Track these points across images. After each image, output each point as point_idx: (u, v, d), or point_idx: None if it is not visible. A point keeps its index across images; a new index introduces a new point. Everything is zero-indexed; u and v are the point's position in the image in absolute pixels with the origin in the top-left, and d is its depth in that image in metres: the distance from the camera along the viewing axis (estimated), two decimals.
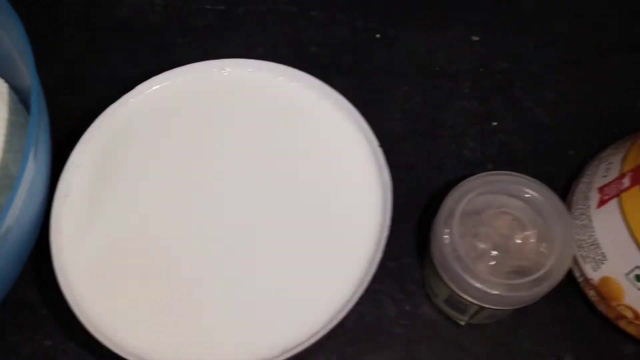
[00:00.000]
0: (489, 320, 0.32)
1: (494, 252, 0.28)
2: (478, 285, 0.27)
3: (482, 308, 0.29)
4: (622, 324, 0.30)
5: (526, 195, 0.29)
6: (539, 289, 0.27)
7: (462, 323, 0.32)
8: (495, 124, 0.38)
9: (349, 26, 0.42)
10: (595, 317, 0.32)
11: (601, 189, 0.29)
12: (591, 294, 0.30)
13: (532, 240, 0.28)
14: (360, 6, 0.42)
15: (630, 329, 0.30)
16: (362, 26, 0.42)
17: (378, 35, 0.41)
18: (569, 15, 0.42)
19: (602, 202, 0.29)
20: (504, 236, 0.28)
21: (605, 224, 0.28)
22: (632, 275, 0.27)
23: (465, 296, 0.28)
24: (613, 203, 0.28)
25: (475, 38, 0.41)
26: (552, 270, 0.27)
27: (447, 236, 0.27)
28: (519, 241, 0.28)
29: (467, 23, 0.41)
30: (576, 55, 0.40)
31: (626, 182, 0.28)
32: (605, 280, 0.29)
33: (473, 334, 0.33)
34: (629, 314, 0.29)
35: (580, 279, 0.31)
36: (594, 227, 0.29)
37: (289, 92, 0.31)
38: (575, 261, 0.30)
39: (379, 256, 0.26)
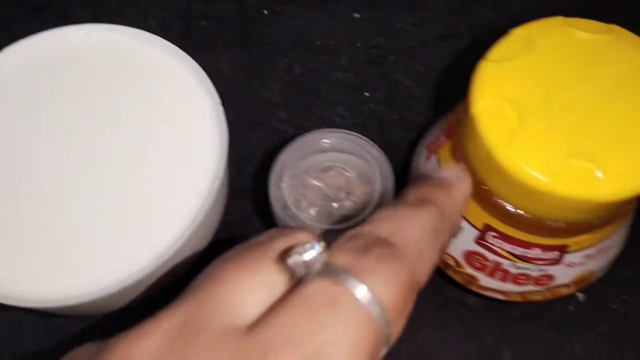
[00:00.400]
0: None
1: (323, 203, 0.30)
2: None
3: None
4: (450, 272, 0.32)
5: (358, 154, 0.31)
6: None
7: None
8: (367, 94, 0.41)
9: (238, 2, 0.44)
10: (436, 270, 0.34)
11: (428, 147, 0.32)
12: None
13: (357, 192, 0.30)
14: None
15: (457, 278, 0.32)
16: (251, 2, 0.44)
17: (265, 11, 0.44)
18: None
19: (427, 158, 0.31)
20: (333, 188, 0.31)
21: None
22: None
23: None
24: (433, 158, 0.31)
25: (356, 15, 0.44)
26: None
27: (274, 187, 0.30)
28: (345, 193, 0.30)
29: (350, 1, 0.44)
30: (451, 31, 0.43)
31: (442, 139, 0.30)
32: None
33: None
34: (451, 262, 0.31)
35: None
36: None
37: (144, 55, 0.33)
38: None
39: (211, 198, 0.29)
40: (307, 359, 0.15)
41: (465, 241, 0.30)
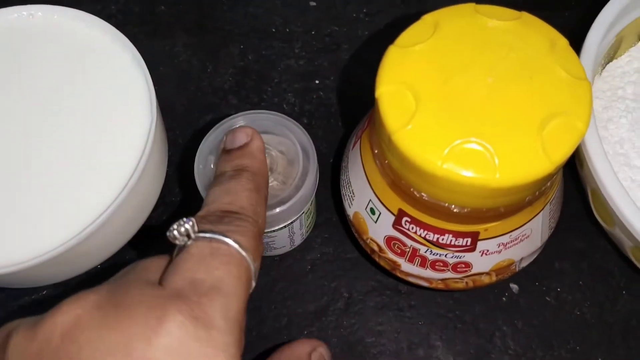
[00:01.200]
0: (273, 252, 0.35)
1: None
2: None
3: None
4: (376, 258, 0.33)
5: (282, 134, 0.32)
6: (273, 212, 0.30)
7: None
8: (317, 82, 0.41)
9: None
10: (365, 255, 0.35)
11: (356, 134, 0.32)
12: (353, 230, 0.33)
13: (280, 170, 0.31)
14: None
15: (382, 263, 0.33)
16: None
17: None
18: None
19: (354, 145, 0.32)
20: None
21: (354, 163, 0.31)
22: (368, 209, 0.30)
23: None
24: (357, 144, 0.31)
25: (312, 3, 0.44)
26: (289, 199, 0.30)
27: (199, 167, 0.30)
28: (269, 172, 0.31)
29: None
30: (403, 21, 0.43)
31: (365, 125, 0.30)
32: (355, 215, 0.32)
33: (273, 265, 0.36)
34: (375, 247, 0.32)
35: (348, 218, 0.34)
36: (348, 167, 0.32)
37: (84, 35, 0.34)
38: (342, 201, 0.33)
39: (140, 169, 0.30)
40: (206, 294, 0.20)
41: (384, 226, 0.30)
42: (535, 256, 0.32)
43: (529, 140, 0.24)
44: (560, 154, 0.24)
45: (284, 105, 0.40)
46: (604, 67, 0.36)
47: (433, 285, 0.32)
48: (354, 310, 0.35)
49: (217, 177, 0.26)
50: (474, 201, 0.25)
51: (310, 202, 0.32)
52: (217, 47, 0.42)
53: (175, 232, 0.22)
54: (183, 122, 0.40)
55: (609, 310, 0.34)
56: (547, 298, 0.35)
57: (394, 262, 0.31)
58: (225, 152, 0.28)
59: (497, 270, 0.31)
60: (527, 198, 0.26)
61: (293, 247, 0.36)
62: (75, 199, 0.30)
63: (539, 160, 0.23)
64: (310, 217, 0.35)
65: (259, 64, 0.42)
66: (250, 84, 0.41)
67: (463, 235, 0.28)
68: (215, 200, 0.24)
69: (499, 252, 0.29)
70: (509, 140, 0.24)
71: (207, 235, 0.22)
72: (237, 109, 0.40)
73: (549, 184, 0.27)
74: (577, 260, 0.36)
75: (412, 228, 0.29)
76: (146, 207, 0.33)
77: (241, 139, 0.28)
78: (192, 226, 0.22)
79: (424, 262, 0.30)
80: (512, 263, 0.31)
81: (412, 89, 0.25)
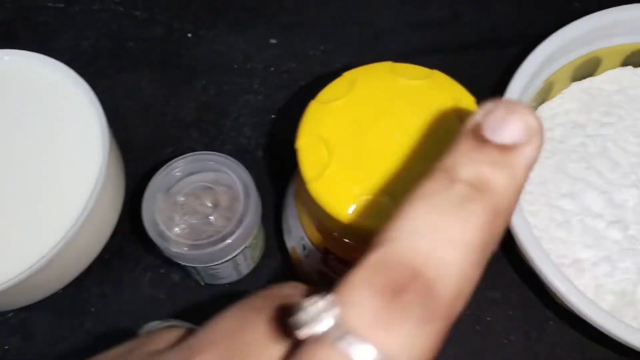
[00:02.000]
0: (221, 281, 0.37)
1: (193, 221, 0.33)
2: (168, 247, 0.32)
3: (194, 267, 0.34)
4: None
5: (226, 174, 0.34)
6: (215, 249, 0.32)
7: (202, 283, 0.38)
8: (273, 116, 0.44)
9: (166, 25, 0.47)
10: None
11: (292, 175, 0.34)
12: (291, 262, 0.36)
13: (224, 206, 0.33)
14: (179, 8, 0.48)
15: None
16: (178, 26, 0.47)
17: (190, 35, 0.47)
18: (361, 22, 0.47)
19: (290, 185, 0.34)
20: (203, 206, 0.34)
21: (290, 201, 0.33)
22: (300, 245, 0.33)
23: (169, 256, 0.34)
24: (293, 185, 0.33)
25: (272, 41, 0.46)
26: (231, 234, 0.32)
27: (146, 205, 0.33)
28: (213, 209, 0.33)
29: (268, 27, 0.47)
30: (357, 60, 0.45)
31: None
32: (292, 249, 0.34)
33: (213, 294, 0.38)
34: (311, 278, 0.34)
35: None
36: (286, 205, 0.34)
37: (45, 78, 0.37)
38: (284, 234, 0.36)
39: (92, 200, 0.33)
40: None
41: (315, 262, 0.32)
42: None
43: None
44: None
45: (241, 139, 0.43)
46: (535, 109, 0.38)
47: None
48: None
49: (438, 180, 0.17)
50: None
51: (252, 236, 0.35)
52: (181, 82, 0.45)
53: (304, 330, 0.14)
54: (145, 154, 0.43)
55: (535, 339, 0.37)
56: (477, 327, 0.37)
57: None
58: (478, 138, 0.17)
59: None
60: None
61: (241, 277, 0.38)
62: (29, 232, 0.33)
63: None
64: (257, 249, 0.37)
65: (219, 99, 0.44)
66: (210, 118, 0.44)
67: None
68: (412, 238, 0.16)
69: None
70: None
71: (356, 349, 0.14)
72: (197, 142, 0.43)
73: None
74: (507, 291, 0.38)
75: (337, 265, 0.31)
76: (101, 237, 0.36)
77: (515, 131, 0.16)
78: (338, 325, 0.14)
79: None
80: None
81: (327, 143, 0.27)
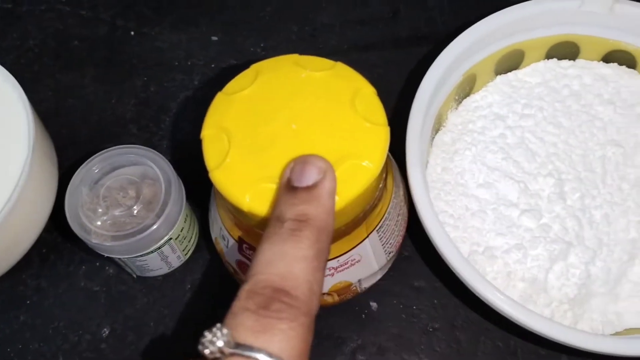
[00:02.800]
0: (151, 274, 0.38)
1: (116, 213, 0.34)
2: (89, 238, 0.33)
3: (121, 258, 0.35)
4: (237, 279, 0.36)
5: (150, 167, 0.35)
6: (136, 239, 0.33)
7: (134, 275, 0.39)
8: None
9: (110, 24, 0.48)
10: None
11: None
12: (218, 253, 0.36)
13: (146, 204, 0.34)
14: (123, 6, 0.48)
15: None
16: (121, 24, 0.48)
17: (132, 33, 0.47)
18: (301, 19, 0.47)
19: None
20: (127, 198, 0.34)
21: (212, 194, 0.34)
22: (221, 236, 0.33)
23: (92, 247, 0.34)
24: None
25: (214, 38, 0.47)
26: (151, 225, 0.33)
27: (69, 198, 0.34)
28: (134, 204, 0.34)
29: (211, 25, 0.47)
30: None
31: None
32: (215, 240, 0.35)
33: (155, 285, 0.39)
34: (231, 269, 0.35)
35: None
36: (211, 197, 0.35)
37: None
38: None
39: (15, 195, 0.33)
40: None
41: (234, 252, 0.33)
42: (378, 277, 0.35)
43: None
44: (349, 192, 0.26)
45: (178, 135, 0.44)
46: (460, 102, 0.38)
47: None
48: None
49: (273, 226, 0.24)
50: None
51: (176, 227, 0.35)
52: (123, 80, 0.46)
53: (208, 350, 0.20)
54: (86, 150, 0.43)
55: (460, 327, 0.37)
56: (402, 315, 0.38)
57: None
58: (290, 189, 0.24)
59: (337, 291, 0.33)
60: (342, 228, 0.29)
61: (172, 269, 0.39)
62: None
63: None
64: (187, 241, 0.38)
65: (159, 95, 0.45)
66: (150, 114, 0.44)
67: None
68: (267, 268, 0.22)
69: (332, 275, 0.32)
70: None
71: (245, 353, 0.20)
72: (137, 138, 0.44)
73: (362, 214, 0.30)
74: (433, 281, 0.38)
75: (251, 254, 0.32)
76: (29, 231, 0.36)
77: (311, 175, 0.24)
78: (228, 341, 0.20)
79: None
80: (349, 285, 0.33)
81: (228, 133, 0.28)
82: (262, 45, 0.47)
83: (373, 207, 0.30)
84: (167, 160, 0.35)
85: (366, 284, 0.35)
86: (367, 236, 0.31)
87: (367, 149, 0.27)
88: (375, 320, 0.38)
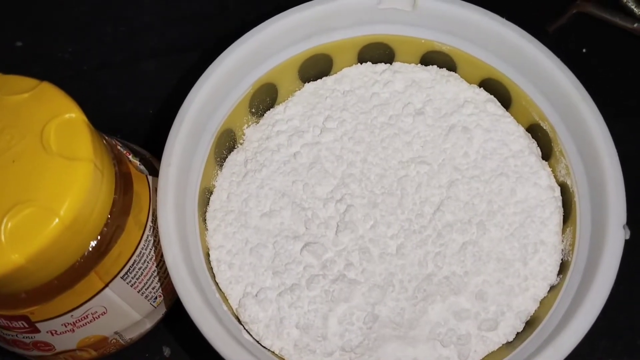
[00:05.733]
0: None
1: None
2: None
3: None
4: None
5: None
6: None
7: None
8: None
9: None
10: None
11: None
12: None
13: None
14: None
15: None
16: None
17: None
18: (116, 18, 0.42)
19: None
20: None
21: None
22: None
23: None
24: None
25: (19, 43, 0.42)
26: None
27: None
28: None
29: (14, 28, 0.42)
30: (112, 59, 0.41)
31: None
32: None
33: None
34: None
35: None
36: None
37: None
38: None
39: None
40: None
41: None
42: (148, 326, 0.31)
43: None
44: (26, 246, 0.22)
45: None
46: (261, 115, 0.34)
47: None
48: None
49: None
50: None
51: None
52: None
53: None
54: None
55: None
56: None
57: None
58: None
59: (91, 346, 0.29)
60: (53, 282, 0.25)
61: None
62: None
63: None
64: None
65: None
66: None
67: (15, 318, 0.26)
68: None
69: (72, 331, 0.27)
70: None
71: None
72: None
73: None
74: None
75: None
76: None
77: None
78: None
79: (7, 342, 0.29)
80: (104, 338, 0.29)
81: None
82: (69, 49, 0.42)
83: (102, 252, 0.26)
84: None
85: (131, 335, 0.30)
86: (107, 285, 0.27)
87: (56, 190, 0.23)
88: None
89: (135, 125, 0.39)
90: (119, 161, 0.27)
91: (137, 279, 0.28)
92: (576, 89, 0.29)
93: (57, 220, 0.22)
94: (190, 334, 0.33)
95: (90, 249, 0.25)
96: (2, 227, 0.22)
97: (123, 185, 0.27)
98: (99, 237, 0.25)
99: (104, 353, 0.30)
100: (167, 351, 0.33)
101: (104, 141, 0.26)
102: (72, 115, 0.24)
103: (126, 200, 0.27)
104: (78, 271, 0.25)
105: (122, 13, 0.43)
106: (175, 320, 0.33)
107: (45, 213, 0.22)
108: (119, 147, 0.29)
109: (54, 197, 0.22)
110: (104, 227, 0.25)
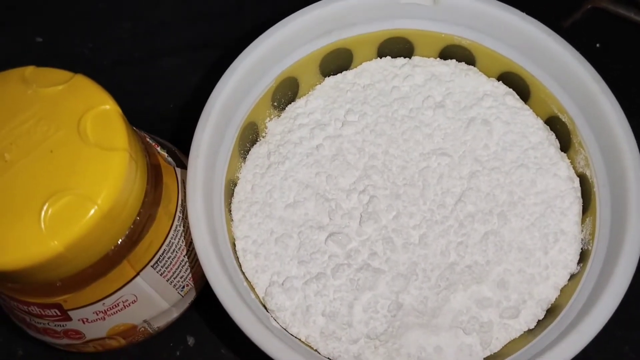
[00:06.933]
0: None
1: None
2: None
3: None
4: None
5: None
6: None
7: None
8: None
9: None
10: None
11: None
12: None
13: None
14: None
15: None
16: None
17: None
18: (135, 16, 0.43)
19: None
20: None
21: None
22: None
23: None
24: None
25: (38, 39, 0.42)
26: None
27: None
28: None
29: (33, 23, 0.43)
30: (129, 57, 0.42)
31: None
32: None
33: None
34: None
35: None
36: None
37: None
38: None
39: None
40: None
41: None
42: (175, 315, 0.31)
43: (30, 221, 0.22)
44: (65, 234, 0.22)
45: None
46: (283, 109, 0.34)
47: (66, 349, 0.31)
48: None
49: None
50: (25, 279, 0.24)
51: None
52: None
53: None
54: None
55: None
56: (222, 350, 0.34)
57: (21, 327, 0.30)
58: None
59: (120, 334, 0.29)
60: (87, 270, 0.25)
61: None
62: None
63: (38, 242, 0.22)
64: None
65: None
66: None
67: (48, 306, 0.27)
68: None
69: (103, 319, 0.28)
70: (8, 223, 0.22)
71: None
72: None
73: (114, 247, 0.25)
74: None
75: (13, 303, 0.27)
76: None
77: None
78: None
79: (38, 330, 0.29)
80: (134, 326, 0.29)
81: None
82: (90, 45, 0.42)
83: (134, 241, 0.26)
84: None
85: (159, 324, 0.30)
86: (138, 274, 0.27)
87: (94, 179, 0.23)
88: (193, 357, 0.34)
89: (154, 120, 0.39)
90: (149, 153, 0.28)
91: (166, 268, 0.29)
92: (596, 82, 0.30)
93: (95, 208, 0.23)
94: (214, 324, 0.34)
95: (124, 238, 0.25)
96: (42, 215, 0.22)
97: (154, 176, 0.27)
98: (132, 226, 0.25)
99: (132, 341, 0.30)
100: (191, 340, 0.34)
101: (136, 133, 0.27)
102: (107, 107, 0.24)
103: (157, 190, 0.27)
104: (112, 259, 0.26)
105: (140, 11, 0.43)
106: (201, 311, 0.34)
107: (84, 201, 0.23)
108: (147, 139, 0.30)
109: (91, 186, 0.23)
110: (137, 216, 0.26)
